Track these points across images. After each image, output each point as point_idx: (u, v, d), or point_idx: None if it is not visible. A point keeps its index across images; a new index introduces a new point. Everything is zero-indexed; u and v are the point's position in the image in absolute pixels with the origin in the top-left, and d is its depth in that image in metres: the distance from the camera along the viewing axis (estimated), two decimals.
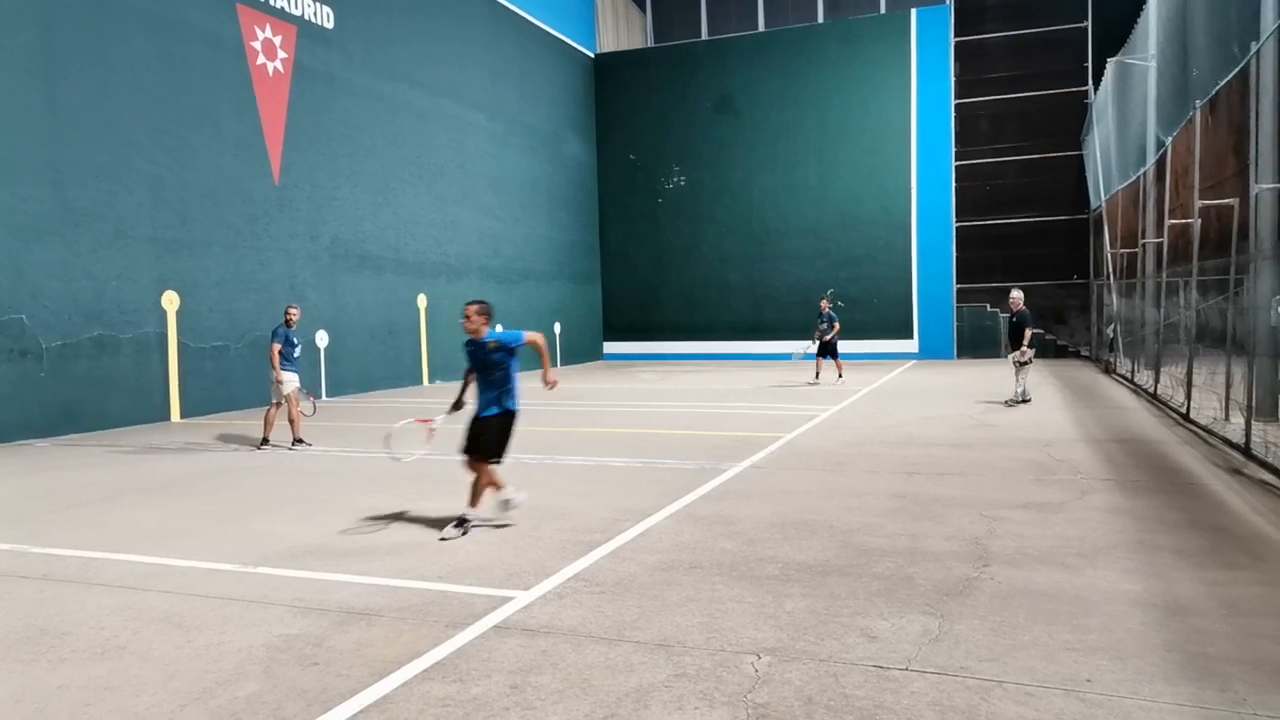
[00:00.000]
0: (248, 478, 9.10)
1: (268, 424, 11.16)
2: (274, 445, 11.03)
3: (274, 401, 11.19)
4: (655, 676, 3.83)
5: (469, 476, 6.66)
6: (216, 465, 9.94)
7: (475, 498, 6.56)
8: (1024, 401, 14.28)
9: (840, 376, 19.00)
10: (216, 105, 15.41)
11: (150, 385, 14.18)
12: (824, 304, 19.55)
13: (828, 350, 19.00)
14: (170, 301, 14.50)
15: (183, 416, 14.59)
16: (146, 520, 7.21)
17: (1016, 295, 15.00)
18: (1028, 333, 14.41)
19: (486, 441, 6.48)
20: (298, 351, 11.18)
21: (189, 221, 14.87)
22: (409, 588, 5.18)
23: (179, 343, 14.62)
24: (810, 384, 18.79)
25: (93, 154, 13.33)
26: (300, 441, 11.08)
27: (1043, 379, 19.16)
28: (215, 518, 7.24)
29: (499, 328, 7.01)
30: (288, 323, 11.18)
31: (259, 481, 8.88)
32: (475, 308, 6.58)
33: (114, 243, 13.64)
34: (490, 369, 6.50)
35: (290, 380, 11.01)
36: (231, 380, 15.58)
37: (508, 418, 6.58)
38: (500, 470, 6.65)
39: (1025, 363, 14.38)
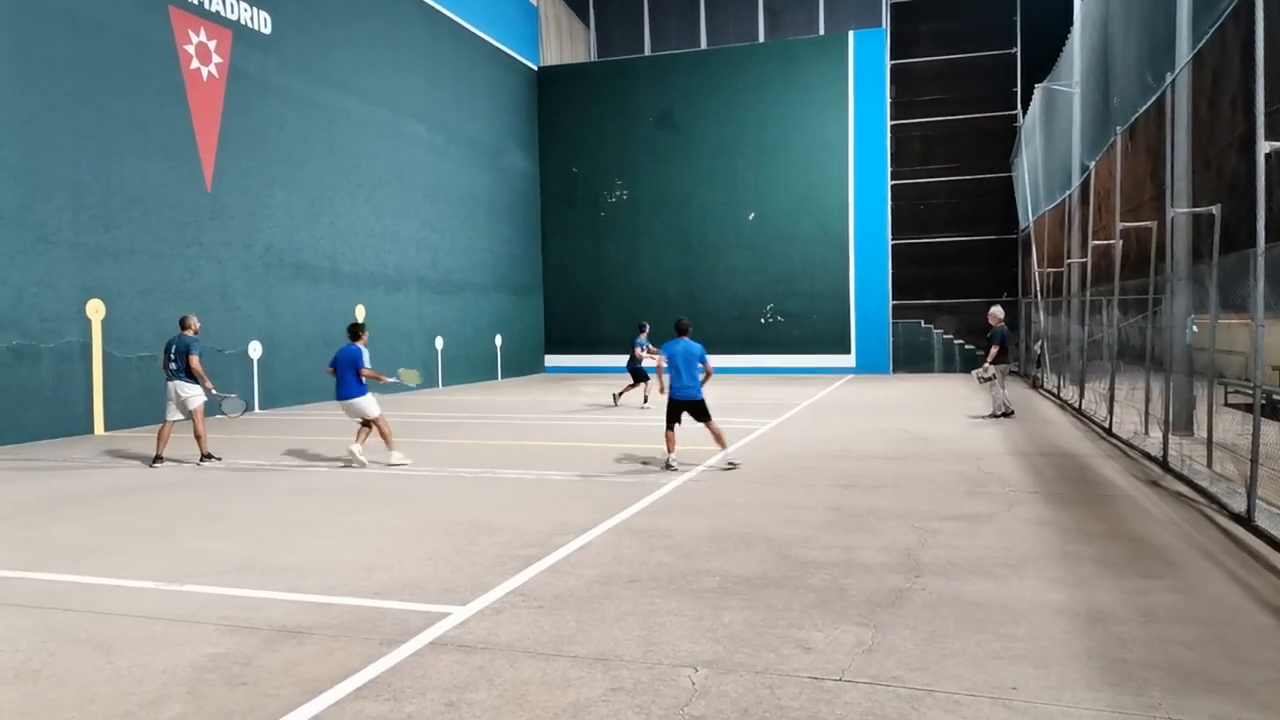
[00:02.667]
0: (174, 493, 8.83)
1: (162, 440, 10.58)
2: (179, 462, 10.53)
3: (167, 419, 10.56)
4: (592, 691, 3.83)
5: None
6: (141, 480, 9.62)
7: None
8: (1007, 414, 14.48)
9: (645, 400, 17.45)
10: (143, 109, 14.98)
11: (72, 397, 13.67)
12: (643, 328, 18.21)
13: (639, 372, 17.67)
14: (95, 310, 14.02)
15: (107, 429, 14.09)
16: (66, 537, 6.94)
17: (994, 311, 15.27)
18: (993, 350, 14.65)
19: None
20: None
21: (113, 228, 14.41)
22: (341, 604, 5.09)
23: (104, 353, 14.13)
24: (643, 407, 17.20)
25: (8, 156, 12.83)
26: (209, 457, 10.58)
27: (972, 393, 19.65)
28: (139, 534, 7.00)
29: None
30: (195, 332, 10.69)
31: (185, 496, 8.62)
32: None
33: (33, 248, 13.14)
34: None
35: (197, 394, 10.50)
36: (159, 392, 15.00)
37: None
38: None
39: (989, 378, 14.63)
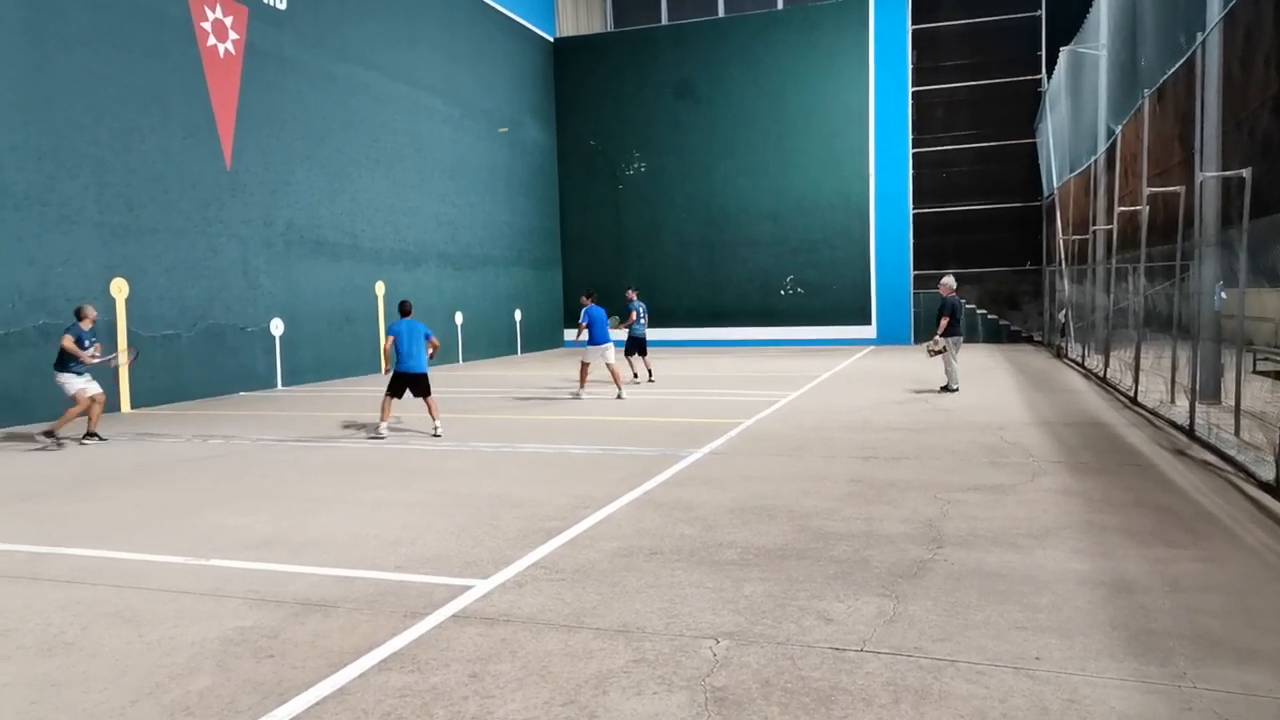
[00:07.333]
0: (199, 469, 8.94)
1: (91, 419, 10.77)
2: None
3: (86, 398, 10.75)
4: (614, 662, 3.85)
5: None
6: (167, 456, 9.75)
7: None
8: (948, 389, 13.98)
9: (649, 377, 16.70)
10: (163, 86, 15.01)
11: (99, 375, 13.68)
12: (630, 293, 17.56)
13: (636, 346, 16.76)
14: (119, 289, 14.16)
15: (133, 407, 14.27)
16: (96, 513, 7.06)
17: (946, 281, 14.66)
18: (943, 322, 14.07)
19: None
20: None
21: (136, 206, 14.51)
22: (366, 578, 5.14)
23: (129, 331, 14.29)
24: (630, 382, 16.43)
25: (31, 135, 12.92)
26: (51, 435, 10.46)
27: (995, 363, 19.50)
28: (167, 510, 7.11)
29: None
30: (91, 323, 10.74)
31: (212, 473, 8.73)
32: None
33: (57, 227, 13.26)
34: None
35: (66, 384, 10.55)
36: (182, 369, 15.28)
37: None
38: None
39: (938, 351, 14.10)
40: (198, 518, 6.79)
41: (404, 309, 11.09)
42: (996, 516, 6.17)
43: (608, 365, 14.21)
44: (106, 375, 13.94)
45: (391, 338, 10.68)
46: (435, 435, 10.52)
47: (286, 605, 4.69)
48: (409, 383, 10.71)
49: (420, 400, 10.85)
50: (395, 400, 10.85)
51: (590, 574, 5.09)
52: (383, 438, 10.46)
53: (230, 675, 3.82)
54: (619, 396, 13.98)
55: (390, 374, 10.88)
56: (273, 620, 4.47)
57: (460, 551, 5.64)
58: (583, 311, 14.61)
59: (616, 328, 16.98)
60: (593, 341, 14.21)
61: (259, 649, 4.11)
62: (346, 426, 11.62)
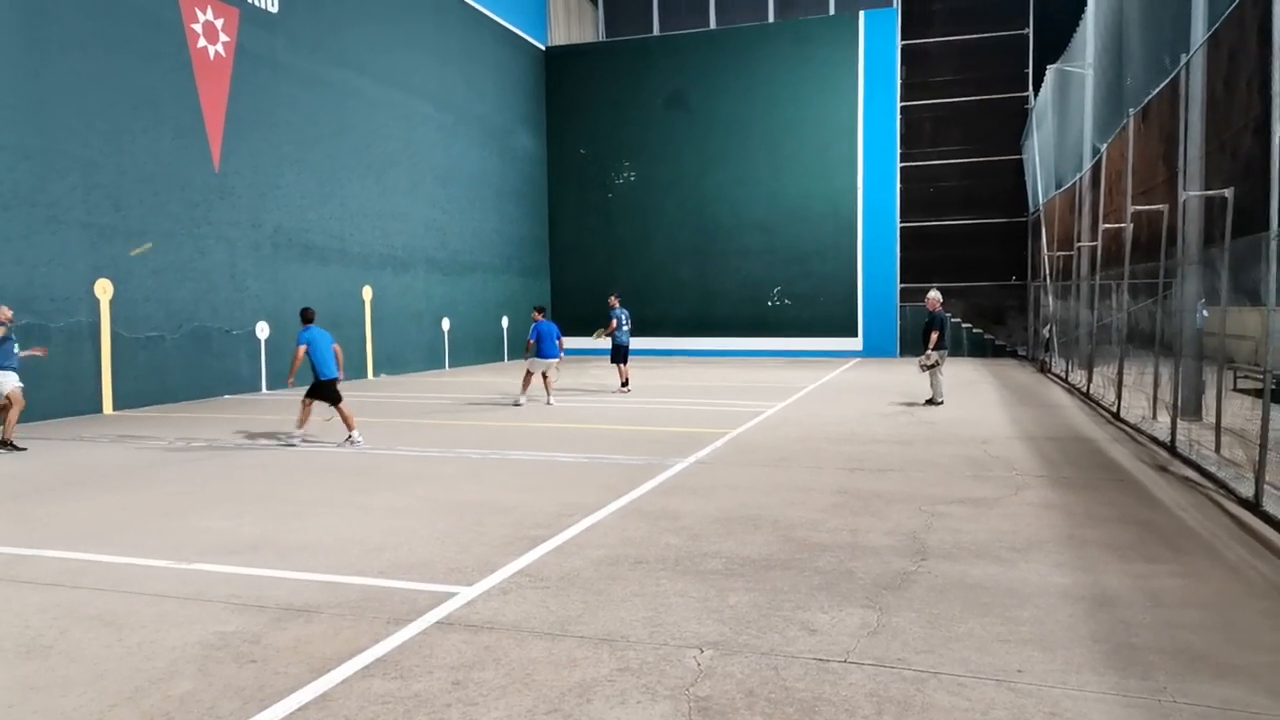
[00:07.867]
0: (184, 472, 8.88)
1: (10, 425, 10.46)
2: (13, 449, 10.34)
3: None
4: (598, 671, 3.85)
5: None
6: (151, 459, 9.68)
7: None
8: (934, 403, 14.00)
9: (625, 385, 16.64)
10: (154, 88, 14.95)
11: (82, 376, 13.73)
12: (613, 299, 17.33)
13: (620, 354, 16.87)
14: (104, 290, 14.06)
15: (116, 409, 14.17)
16: (78, 515, 7.00)
17: (933, 295, 14.58)
18: (932, 336, 14.07)
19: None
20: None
21: (124, 208, 14.43)
22: (349, 583, 5.12)
23: (112, 332, 14.19)
24: (620, 391, 16.55)
25: (21, 136, 12.84)
26: (8, 444, 10.31)
27: (980, 377, 19.61)
28: (150, 512, 7.05)
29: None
30: (7, 321, 10.45)
31: (196, 476, 8.67)
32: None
33: (44, 228, 13.17)
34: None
35: (3, 381, 10.33)
36: (166, 372, 15.19)
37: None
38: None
39: (930, 366, 14.08)
40: (181, 520, 6.74)
41: (308, 316, 10.84)
42: (980, 529, 6.21)
43: (543, 375, 14.85)
44: (92, 374, 13.85)
45: (304, 346, 10.40)
46: (353, 442, 10.41)
47: (269, 610, 4.67)
48: (329, 389, 10.61)
49: (330, 406, 10.76)
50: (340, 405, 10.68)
51: (575, 582, 5.09)
52: (358, 443, 10.39)
53: (211, 680, 3.80)
54: (518, 404, 14.57)
55: (293, 382, 10.86)
56: (255, 625, 4.45)
57: (445, 558, 5.63)
58: (531, 327, 15.04)
59: (602, 337, 17.24)
60: (540, 355, 14.80)
61: (241, 654, 4.08)
62: (332, 432, 11.56)
